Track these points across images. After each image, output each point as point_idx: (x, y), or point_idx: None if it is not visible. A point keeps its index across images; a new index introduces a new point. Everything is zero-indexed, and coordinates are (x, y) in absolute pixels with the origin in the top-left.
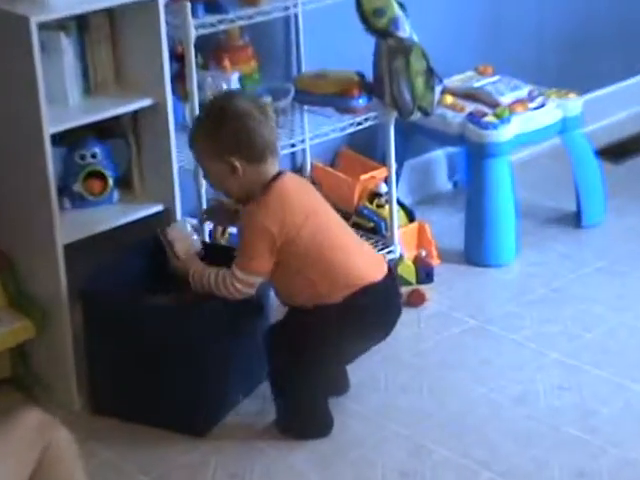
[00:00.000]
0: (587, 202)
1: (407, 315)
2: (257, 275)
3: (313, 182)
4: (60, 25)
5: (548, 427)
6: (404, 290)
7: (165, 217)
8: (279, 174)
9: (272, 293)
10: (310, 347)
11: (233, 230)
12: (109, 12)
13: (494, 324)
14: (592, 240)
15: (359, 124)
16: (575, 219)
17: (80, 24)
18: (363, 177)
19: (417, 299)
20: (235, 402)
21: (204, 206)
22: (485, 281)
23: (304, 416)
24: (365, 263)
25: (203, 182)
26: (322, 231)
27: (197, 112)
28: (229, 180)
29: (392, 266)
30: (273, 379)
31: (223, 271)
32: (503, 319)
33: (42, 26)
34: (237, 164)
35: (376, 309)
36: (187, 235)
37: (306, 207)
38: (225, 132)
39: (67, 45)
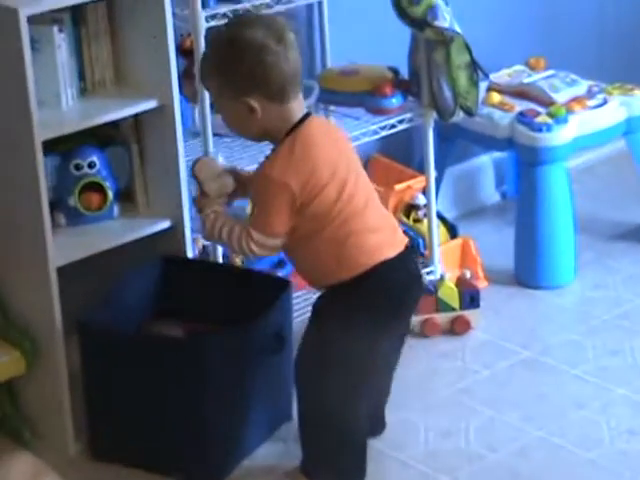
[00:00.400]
0: None
1: (450, 345)
2: (275, 237)
3: None
4: (53, 18)
5: (615, 476)
6: (447, 316)
7: (172, 234)
8: (305, 116)
9: (294, 322)
10: (337, 356)
11: None
12: (108, 2)
13: (550, 355)
14: None
15: (393, 126)
16: None
17: (75, 16)
18: (398, 187)
19: (461, 327)
20: (253, 446)
21: None
22: (539, 306)
23: (337, 458)
24: (383, 238)
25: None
26: (348, 192)
27: (207, 111)
28: (247, 122)
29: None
30: (303, 413)
31: (240, 227)
32: (561, 350)
33: (32, 19)
34: (255, 104)
35: (394, 289)
36: (219, 174)
37: (334, 160)
38: (238, 69)
39: (61, 40)
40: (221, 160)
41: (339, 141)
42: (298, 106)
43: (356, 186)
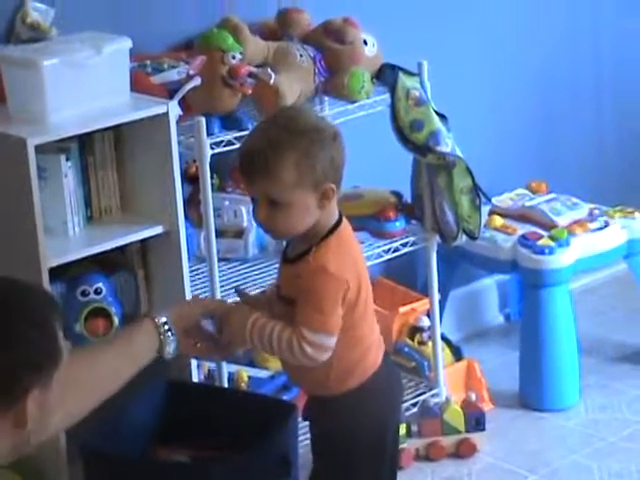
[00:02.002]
0: None
1: (456, 469)
2: (332, 335)
3: None
4: (60, 147)
5: None
6: (452, 439)
7: (178, 360)
8: (341, 215)
9: (300, 446)
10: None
11: (257, 373)
12: (114, 131)
13: (557, 479)
14: None
15: (397, 250)
16: None
17: (82, 145)
18: (402, 310)
19: (467, 450)
20: None
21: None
22: (545, 428)
23: None
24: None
25: None
26: (369, 293)
27: (212, 236)
28: (312, 215)
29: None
30: None
31: (289, 329)
32: (567, 473)
33: (40, 149)
34: (333, 190)
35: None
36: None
37: (362, 259)
38: (325, 155)
39: (68, 169)
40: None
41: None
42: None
43: (368, 283)
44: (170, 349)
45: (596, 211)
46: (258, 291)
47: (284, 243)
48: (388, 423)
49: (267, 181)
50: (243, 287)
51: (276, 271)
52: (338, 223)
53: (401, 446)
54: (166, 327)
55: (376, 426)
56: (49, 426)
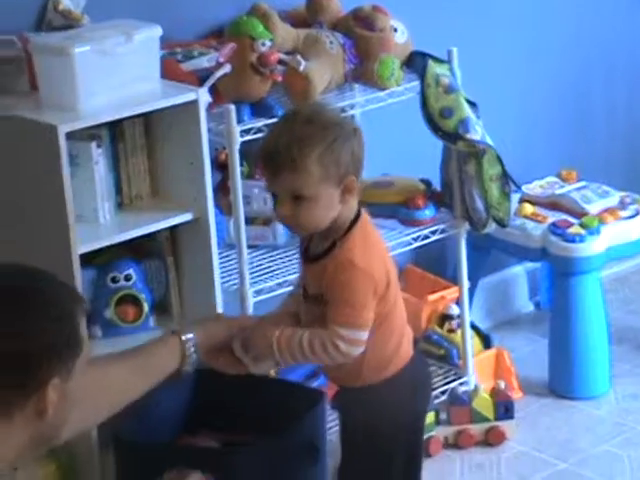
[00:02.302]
0: None
1: (485, 457)
2: (365, 329)
3: None
4: (91, 134)
5: None
6: (481, 427)
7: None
8: (360, 207)
9: (328, 434)
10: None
11: None
12: (145, 118)
13: (588, 467)
14: None
15: (426, 238)
16: None
17: (113, 132)
18: (431, 298)
19: (496, 438)
20: None
21: None
22: (575, 417)
23: None
24: (409, 333)
25: (250, 305)
26: (397, 283)
27: (242, 223)
28: (335, 209)
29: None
30: None
31: (319, 331)
32: (598, 462)
33: (71, 135)
34: (355, 183)
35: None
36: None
37: (386, 249)
38: (347, 149)
39: (98, 156)
40: None
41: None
42: None
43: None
44: (190, 367)
45: (627, 199)
46: (287, 290)
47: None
48: (419, 413)
49: (294, 175)
50: (272, 274)
51: (292, 255)
52: (358, 216)
53: (430, 434)
54: (191, 345)
55: (407, 417)
56: (68, 421)
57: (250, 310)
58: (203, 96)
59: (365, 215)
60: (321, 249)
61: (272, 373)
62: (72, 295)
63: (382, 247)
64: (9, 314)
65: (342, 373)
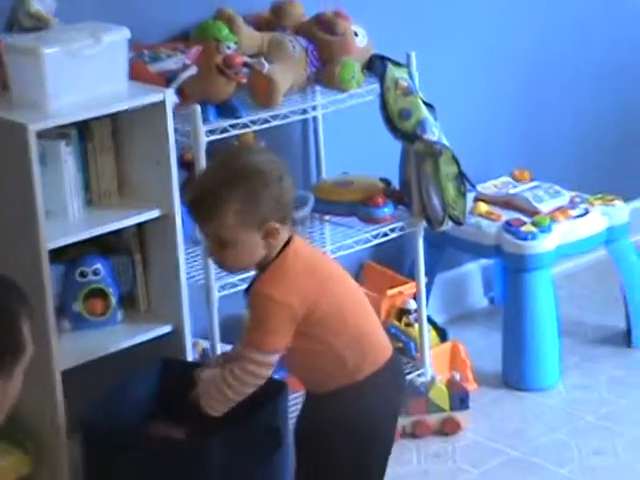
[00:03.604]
0: (637, 319)
1: (440, 446)
2: (275, 353)
3: None
4: (60, 133)
5: None
6: (437, 417)
7: (173, 338)
8: (290, 237)
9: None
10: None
11: None
12: (112, 118)
13: (538, 455)
14: None
15: (385, 235)
16: (624, 338)
17: (81, 131)
18: (390, 293)
19: (451, 428)
20: None
21: (216, 325)
22: (526, 407)
23: None
24: (383, 334)
25: (216, 300)
26: (341, 297)
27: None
28: (258, 250)
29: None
30: None
31: (232, 365)
32: (548, 450)
33: (41, 134)
34: (277, 227)
35: (397, 385)
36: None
37: (321, 270)
38: (267, 198)
39: (67, 154)
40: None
41: (320, 254)
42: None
43: (345, 289)
44: None
45: (577, 199)
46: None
47: None
48: (379, 421)
49: (213, 223)
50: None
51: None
52: (284, 247)
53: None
54: None
55: (366, 422)
56: (5, 414)
57: (215, 304)
58: (170, 97)
59: (294, 247)
60: (250, 284)
61: None
62: (18, 297)
63: (308, 280)
64: None
65: (321, 379)
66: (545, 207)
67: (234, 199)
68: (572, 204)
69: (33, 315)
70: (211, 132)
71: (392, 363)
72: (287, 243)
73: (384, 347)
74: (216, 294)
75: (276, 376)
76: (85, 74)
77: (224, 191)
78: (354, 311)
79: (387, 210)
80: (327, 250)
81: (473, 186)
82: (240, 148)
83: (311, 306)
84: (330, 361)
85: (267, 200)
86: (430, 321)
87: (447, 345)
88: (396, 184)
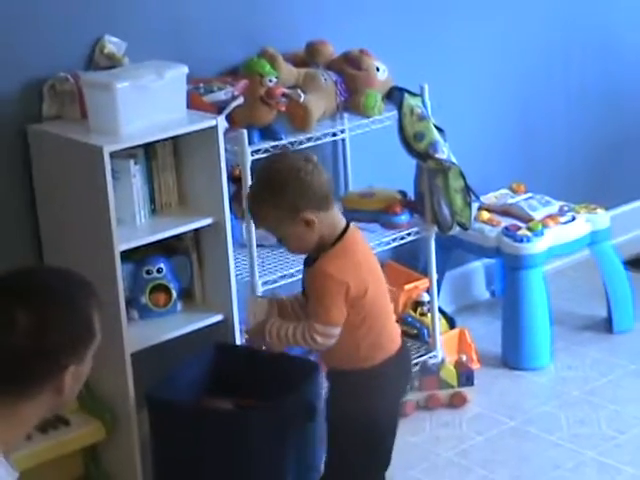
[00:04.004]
0: (617, 309)
1: (449, 417)
2: (336, 326)
3: None
4: (129, 153)
5: None
6: (447, 393)
7: (224, 326)
8: (347, 225)
9: (324, 392)
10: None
11: None
12: (173, 140)
13: (532, 425)
14: (623, 345)
15: (402, 238)
16: (606, 325)
17: (147, 152)
18: (407, 287)
19: (459, 401)
20: None
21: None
22: (522, 384)
23: None
24: (396, 326)
25: (259, 293)
26: (378, 292)
27: (252, 226)
28: (307, 236)
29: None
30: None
31: (302, 324)
32: (540, 420)
33: (113, 155)
34: (311, 217)
35: (404, 373)
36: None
37: (371, 260)
38: (289, 193)
39: (135, 171)
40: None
41: (369, 248)
42: (338, 214)
43: (381, 286)
44: None
45: (565, 207)
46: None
47: None
48: (397, 398)
49: (261, 225)
50: (276, 268)
51: (304, 256)
52: (343, 232)
53: (405, 398)
54: None
55: (388, 400)
56: (78, 391)
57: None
58: (221, 123)
59: (352, 232)
60: (312, 259)
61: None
62: (89, 292)
63: (363, 261)
64: (35, 313)
65: (339, 357)
66: (538, 215)
67: (265, 205)
68: (561, 212)
69: (102, 306)
70: (256, 152)
71: (401, 352)
72: (345, 230)
73: (395, 338)
74: (260, 289)
75: (312, 358)
76: (150, 104)
77: (256, 201)
78: (383, 304)
79: (404, 218)
80: None
81: (477, 197)
82: (268, 158)
83: (361, 291)
84: (347, 346)
85: (289, 198)
86: (441, 311)
87: (455, 331)
88: (412, 196)
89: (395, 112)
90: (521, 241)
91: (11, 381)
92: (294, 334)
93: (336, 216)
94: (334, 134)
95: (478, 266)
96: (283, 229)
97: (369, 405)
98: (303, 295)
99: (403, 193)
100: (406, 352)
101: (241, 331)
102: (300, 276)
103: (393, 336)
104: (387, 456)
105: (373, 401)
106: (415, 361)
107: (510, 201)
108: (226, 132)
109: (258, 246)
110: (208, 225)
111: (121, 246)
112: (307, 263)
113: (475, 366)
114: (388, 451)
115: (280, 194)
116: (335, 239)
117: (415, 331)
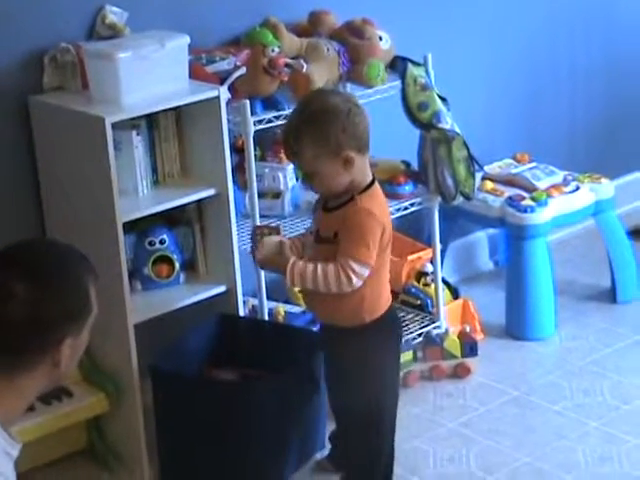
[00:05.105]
0: (621, 279)
1: (454, 387)
2: (369, 267)
3: None
4: (132, 124)
5: None
6: (451, 363)
7: (227, 297)
8: (374, 176)
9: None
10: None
11: (292, 309)
12: (176, 111)
13: (536, 395)
14: (627, 315)
15: (406, 209)
16: (610, 295)
17: (149, 122)
18: (410, 258)
19: (463, 372)
20: (289, 475)
21: (263, 285)
22: (526, 354)
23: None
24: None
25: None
26: (390, 244)
27: (255, 197)
28: (341, 176)
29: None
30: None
31: (331, 265)
32: (544, 390)
33: (115, 125)
34: (353, 155)
35: (399, 327)
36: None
37: (389, 213)
38: (338, 129)
39: (138, 142)
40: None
41: None
42: (367, 162)
43: (390, 239)
44: None
45: (569, 177)
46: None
47: (315, 199)
48: (385, 357)
49: (296, 158)
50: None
51: (307, 225)
52: (372, 182)
53: (409, 368)
54: None
55: (392, 353)
56: (76, 363)
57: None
58: (223, 93)
59: (377, 185)
60: (339, 202)
61: (280, 319)
62: (85, 266)
63: (388, 215)
64: (32, 285)
65: (342, 313)
66: (542, 184)
67: (307, 137)
68: (565, 182)
69: (97, 280)
70: (258, 122)
71: (392, 314)
72: (373, 182)
73: (389, 292)
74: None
75: (314, 329)
76: (152, 74)
77: (298, 132)
78: (389, 258)
79: (408, 188)
80: None
81: (481, 167)
82: (313, 92)
83: (387, 238)
84: (354, 298)
85: (335, 133)
86: (444, 281)
87: (459, 302)
88: (415, 166)
89: (398, 82)
90: (525, 211)
91: (8, 352)
92: (324, 273)
93: (367, 164)
94: None
95: (482, 236)
96: (319, 165)
97: (374, 359)
98: (318, 241)
99: (407, 163)
100: (394, 308)
101: (244, 302)
102: None
103: (388, 290)
104: (393, 415)
105: (377, 357)
106: (419, 332)
107: (514, 171)
108: (228, 102)
109: (261, 216)
110: (211, 196)
111: (124, 217)
112: (327, 207)
113: (479, 336)
114: (393, 409)
115: (328, 128)
116: (367, 185)
117: (419, 301)
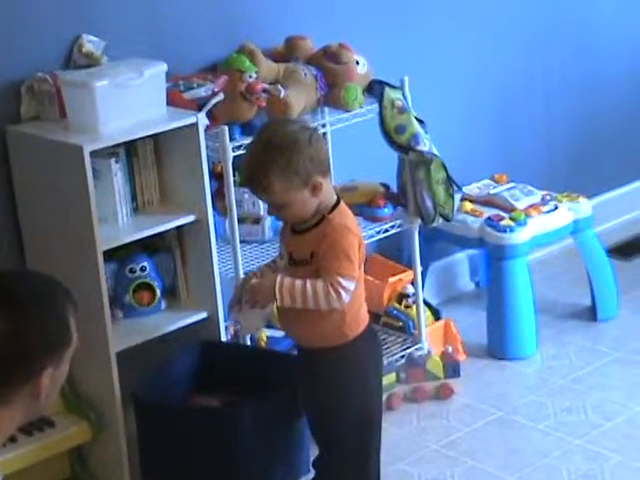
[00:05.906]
0: (601, 297)
1: (437, 408)
2: (354, 280)
3: None
4: (110, 152)
5: None
6: (433, 384)
7: (209, 323)
8: (338, 197)
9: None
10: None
11: (274, 333)
12: (154, 138)
13: (519, 414)
14: (607, 333)
15: (386, 231)
16: (590, 313)
17: (128, 150)
18: (391, 280)
19: (445, 393)
20: None
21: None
22: (508, 374)
23: None
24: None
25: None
26: (363, 258)
27: (235, 222)
28: (311, 202)
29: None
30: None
31: (319, 281)
32: (527, 409)
33: (94, 154)
34: (321, 180)
35: (379, 345)
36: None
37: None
38: (302, 159)
39: (117, 170)
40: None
41: None
42: (331, 182)
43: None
44: None
45: (547, 197)
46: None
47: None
48: (378, 371)
49: (265, 193)
50: (260, 263)
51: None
52: (338, 201)
53: (392, 391)
54: None
55: (372, 374)
56: (54, 398)
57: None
58: (202, 120)
59: (344, 204)
60: (310, 224)
61: (263, 344)
62: (65, 296)
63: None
64: (10, 316)
65: (323, 332)
66: (521, 204)
67: (275, 171)
68: (543, 201)
69: (77, 310)
70: (237, 148)
71: (372, 331)
72: (338, 200)
73: (366, 310)
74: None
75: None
76: (130, 102)
77: (266, 166)
78: (362, 274)
79: (387, 210)
80: None
81: (459, 188)
82: (269, 123)
83: (363, 252)
84: (334, 316)
85: (303, 163)
86: (426, 303)
87: (440, 323)
88: (394, 188)
89: (376, 105)
90: (504, 231)
91: None
92: (314, 290)
93: (331, 184)
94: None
95: (462, 257)
96: (289, 195)
97: (358, 379)
98: (290, 264)
99: (386, 186)
100: (375, 332)
101: (227, 328)
102: None
103: (366, 307)
104: (379, 437)
105: (361, 376)
106: (401, 353)
107: (492, 191)
108: (207, 129)
109: (242, 242)
110: (191, 222)
111: (104, 246)
112: (296, 230)
113: (461, 357)
114: (379, 431)
115: (297, 159)
116: (334, 204)
117: (400, 323)
